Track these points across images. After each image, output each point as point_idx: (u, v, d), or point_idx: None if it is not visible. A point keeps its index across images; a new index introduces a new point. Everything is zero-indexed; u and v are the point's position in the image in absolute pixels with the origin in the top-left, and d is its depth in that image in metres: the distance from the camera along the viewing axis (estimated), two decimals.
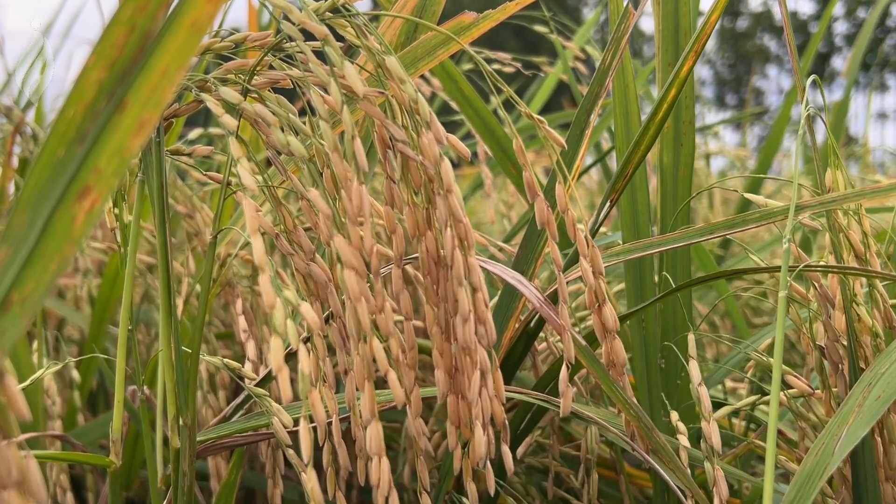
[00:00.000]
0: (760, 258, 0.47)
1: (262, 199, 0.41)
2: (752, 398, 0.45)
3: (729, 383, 0.63)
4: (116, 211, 0.44)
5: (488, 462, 0.35)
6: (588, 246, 0.36)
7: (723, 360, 0.53)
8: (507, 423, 0.35)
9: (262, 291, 0.28)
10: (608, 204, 0.44)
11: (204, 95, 0.33)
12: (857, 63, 1.02)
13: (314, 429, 0.41)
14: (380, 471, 0.31)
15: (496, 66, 0.72)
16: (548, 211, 0.35)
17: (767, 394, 0.48)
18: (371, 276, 0.33)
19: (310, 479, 0.29)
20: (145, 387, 0.44)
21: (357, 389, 0.36)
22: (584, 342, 0.36)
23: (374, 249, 0.32)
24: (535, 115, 0.35)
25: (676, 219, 0.46)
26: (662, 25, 0.47)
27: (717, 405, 0.52)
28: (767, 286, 0.72)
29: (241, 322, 0.48)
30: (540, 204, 0.35)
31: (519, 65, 0.76)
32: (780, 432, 0.52)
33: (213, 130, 0.65)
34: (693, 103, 0.48)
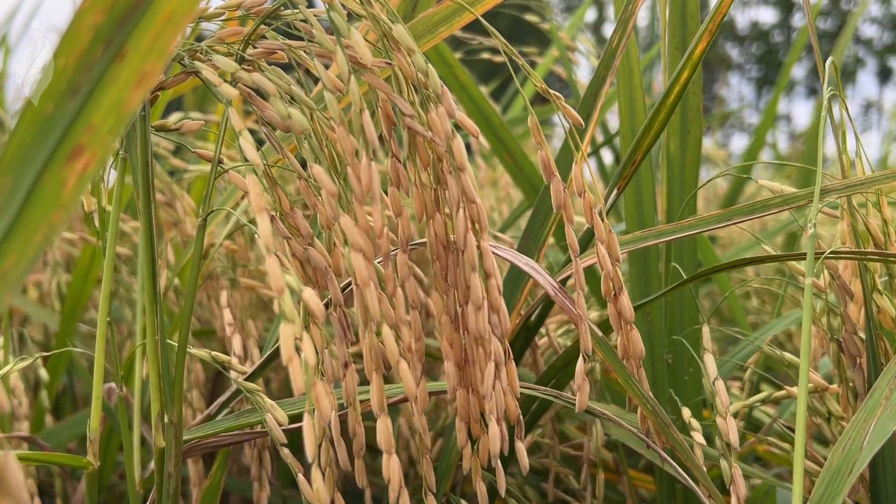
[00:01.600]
0: (766, 250, 0.45)
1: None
2: (764, 393, 0.43)
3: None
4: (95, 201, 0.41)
5: (496, 461, 0.33)
6: (606, 231, 0.34)
7: (725, 357, 0.52)
8: (521, 418, 0.32)
9: (269, 275, 0.26)
10: (615, 192, 0.43)
11: (198, 64, 0.31)
12: (839, 62, 1.02)
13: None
14: (390, 468, 0.28)
15: (485, 56, 0.70)
16: (565, 192, 0.33)
17: (768, 391, 0.47)
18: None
19: (315, 479, 0.27)
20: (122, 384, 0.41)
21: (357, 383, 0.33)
22: (600, 332, 0.34)
23: (384, 231, 0.30)
24: (552, 91, 0.33)
25: (685, 208, 0.45)
26: (670, 8, 0.46)
27: None
28: (754, 284, 0.71)
29: (226, 315, 0.46)
30: (556, 184, 0.33)
31: (502, 58, 0.74)
32: (780, 432, 0.50)
33: (193, 115, 0.62)
34: (700, 89, 0.46)
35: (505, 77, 1.26)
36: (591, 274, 0.55)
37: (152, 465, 0.44)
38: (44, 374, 0.54)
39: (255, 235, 0.39)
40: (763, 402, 0.45)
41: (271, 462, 0.45)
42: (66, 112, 0.21)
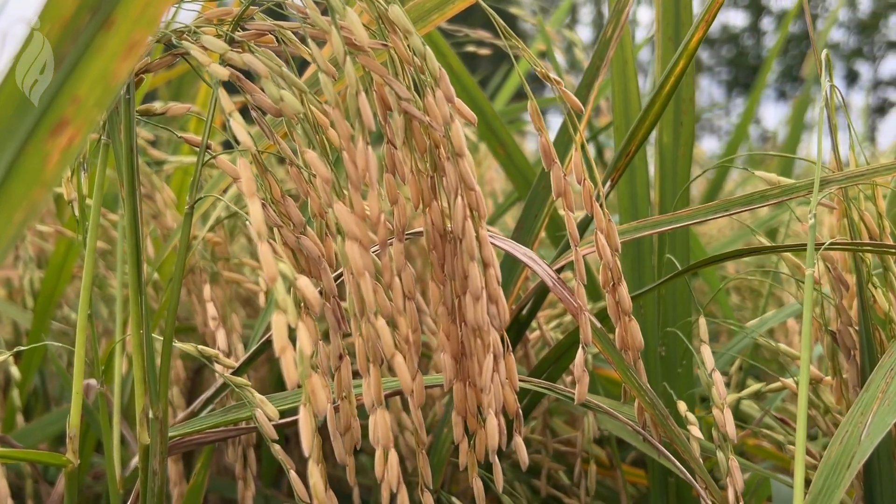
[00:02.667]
0: (760, 241, 0.45)
1: None
2: (759, 385, 0.43)
3: None
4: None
5: (494, 456, 0.32)
6: (605, 219, 0.33)
7: (723, 348, 0.51)
8: (520, 411, 0.32)
9: (261, 262, 0.25)
10: (609, 183, 0.42)
11: (187, 44, 0.30)
12: (819, 61, 1.03)
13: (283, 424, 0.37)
14: (387, 464, 0.27)
15: (471, 49, 0.69)
16: (565, 180, 0.32)
17: (758, 384, 0.46)
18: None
19: (313, 474, 0.25)
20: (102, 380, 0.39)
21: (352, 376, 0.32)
22: (598, 324, 0.34)
23: (381, 219, 0.29)
24: (552, 76, 0.32)
25: (679, 200, 0.44)
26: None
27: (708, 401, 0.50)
28: (748, 276, 0.71)
29: (210, 309, 0.44)
30: (557, 171, 0.32)
31: (487, 51, 0.74)
32: (768, 427, 0.50)
33: (173, 104, 0.60)
34: (693, 80, 0.46)
35: (484, 75, 1.26)
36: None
37: (132, 464, 0.42)
38: (15, 372, 0.52)
39: (247, 222, 0.38)
40: (757, 394, 0.45)
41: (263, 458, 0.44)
42: (49, 83, 0.19)
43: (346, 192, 0.30)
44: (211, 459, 0.42)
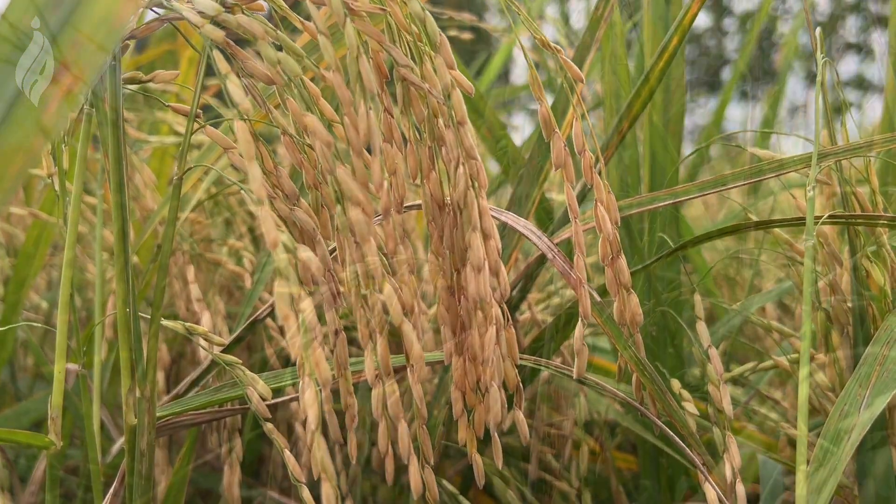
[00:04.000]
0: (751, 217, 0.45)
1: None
2: (750, 364, 0.43)
3: None
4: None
5: (495, 430, 0.31)
6: (605, 191, 0.33)
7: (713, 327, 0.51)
8: (521, 385, 0.31)
9: (262, 228, 0.24)
10: (601, 160, 0.42)
11: (178, 5, 0.28)
12: (787, 65, 1.04)
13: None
14: (399, 435, 0.27)
15: (453, 34, 0.68)
16: (566, 151, 0.32)
17: (741, 366, 0.46)
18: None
19: (318, 448, 0.24)
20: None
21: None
22: (598, 297, 0.33)
23: (384, 185, 0.28)
24: (552, 45, 0.32)
25: (669, 179, 0.44)
26: None
27: (692, 388, 0.50)
28: (744, 256, 0.71)
29: (194, 291, 0.43)
30: (558, 142, 0.31)
31: (467, 35, 0.73)
32: (753, 411, 0.50)
33: (161, 72, 0.58)
34: (683, 60, 0.46)
35: (464, 60, 1.25)
36: (568, 251, 0.54)
37: (114, 450, 0.41)
38: None
39: (242, 191, 0.37)
40: (743, 375, 0.45)
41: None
42: (48, 26, 0.18)
43: (343, 160, 0.29)
44: (195, 444, 0.41)
